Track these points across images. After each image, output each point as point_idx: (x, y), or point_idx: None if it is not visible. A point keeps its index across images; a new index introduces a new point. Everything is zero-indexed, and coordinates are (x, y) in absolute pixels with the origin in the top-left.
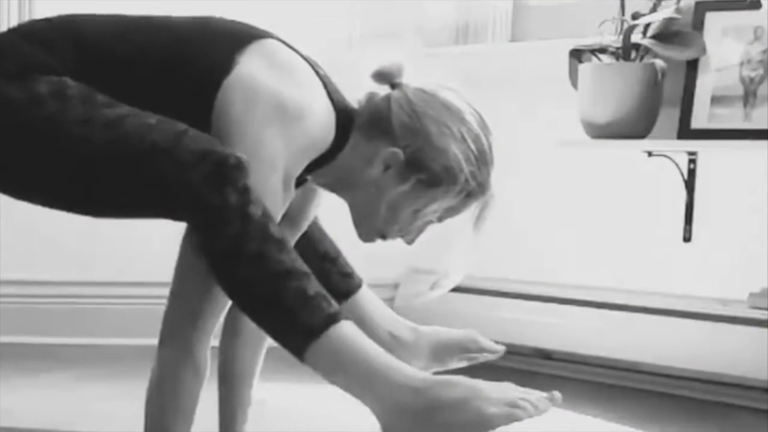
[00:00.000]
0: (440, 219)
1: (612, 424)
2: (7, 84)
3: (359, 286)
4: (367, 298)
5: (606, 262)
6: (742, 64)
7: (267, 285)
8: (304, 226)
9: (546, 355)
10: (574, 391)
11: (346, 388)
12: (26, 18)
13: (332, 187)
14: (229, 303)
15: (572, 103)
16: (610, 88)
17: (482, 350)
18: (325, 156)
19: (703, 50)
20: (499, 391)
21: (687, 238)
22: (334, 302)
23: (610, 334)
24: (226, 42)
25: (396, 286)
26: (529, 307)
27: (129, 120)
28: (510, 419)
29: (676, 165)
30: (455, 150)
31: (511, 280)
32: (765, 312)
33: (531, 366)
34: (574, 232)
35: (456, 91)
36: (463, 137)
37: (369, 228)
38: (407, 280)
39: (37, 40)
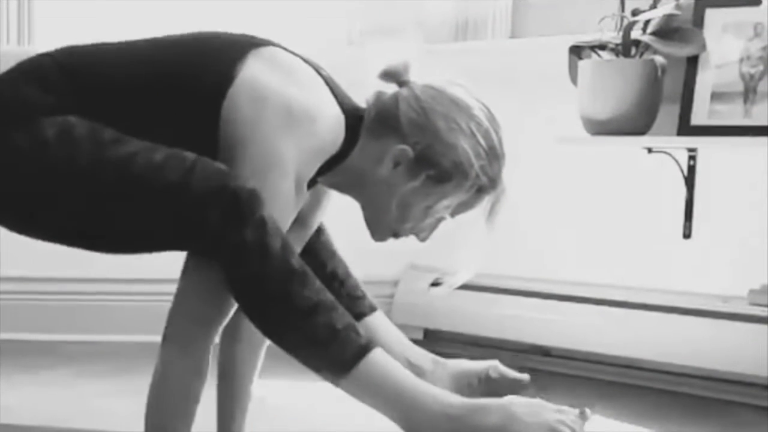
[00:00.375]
0: (453, 215)
1: (611, 421)
2: (13, 131)
3: (372, 309)
4: (380, 323)
5: (605, 259)
6: (742, 60)
7: (295, 324)
8: (314, 227)
9: (545, 351)
10: (573, 388)
11: (383, 413)
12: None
13: (343, 188)
14: (235, 307)
15: (572, 99)
16: (609, 85)
17: (506, 380)
18: (336, 157)
19: (703, 47)
20: (535, 414)
21: (687, 235)
22: (362, 331)
23: (610, 331)
24: (225, 54)
25: (396, 283)
26: (529, 304)
27: (138, 159)
28: None
29: (676, 161)
30: (464, 145)
31: (511, 277)
32: (765, 309)
33: (530, 363)
34: (573, 228)
35: (464, 86)
36: (472, 132)
37: (381, 227)
38: (407, 277)
39: (36, 78)
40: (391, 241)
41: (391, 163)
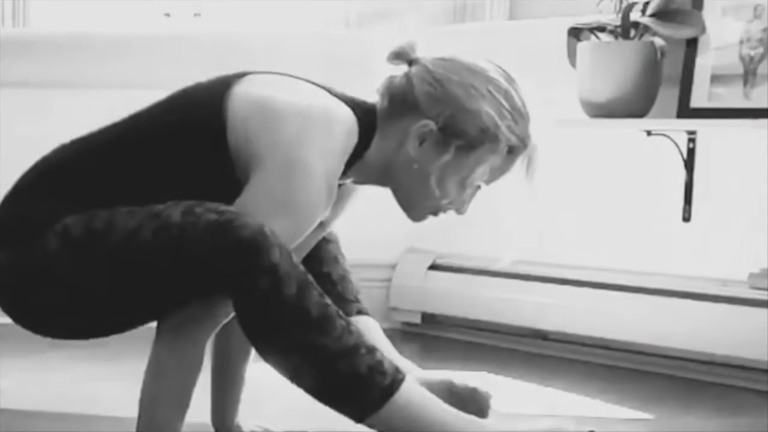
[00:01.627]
0: (488, 182)
1: (610, 405)
2: (22, 250)
3: (360, 312)
4: (368, 328)
5: (604, 242)
6: (741, 42)
7: (316, 374)
8: (330, 228)
9: (543, 335)
10: (571, 372)
11: None
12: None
13: (375, 180)
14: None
15: (571, 81)
16: (608, 67)
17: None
18: (356, 153)
19: (703, 29)
20: None
21: (686, 218)
22: (389, 368)
23: (608, 315)
24: (211, 91)
25: (393, 266)
26: (527, 288)
27: (130, 245)
28: None
29: (676, 144)
30: (487, 109)
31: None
32: (765, 293)
33: (529, 347)
34: (572, 211)
35: (474, 54)
36: (492, 95)
37: (419, 207)
38: (405, 260)
39: (33, 189)
40: (387, 224)
41: (416, 142)
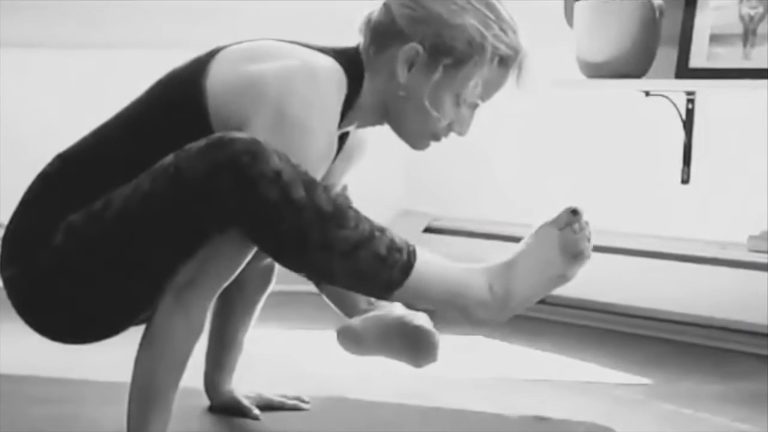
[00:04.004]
0: (484, 98)
1: (607, 370)
2: (28, 262)
3: None
4: None
5: (602, 205)
6: (741, 1)
7: (341, 266)
8: (337, 186)
9: (541, 299)
10: (569, 337)
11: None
12: None
13: (375, 120)
14: (236, 274)
15: (568, 41)
16: (606, 26)
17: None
18: (349, 100)
19: None
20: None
21: (685, 180)
22: (401, 243)
23: (606, 278)
24: (187, 77)
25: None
26: None
27: (131, 203)
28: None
29: (674, 105)
30: (471, 21)
31: (504, 223)
32: (765, 255)
33: (525, 310)
34: (569, 173)
35: None
36: (474, 6)
37: (418, 134)
38: (398, 222)
39: (31, 209)
40: (380, 185)
41: (405, 67)
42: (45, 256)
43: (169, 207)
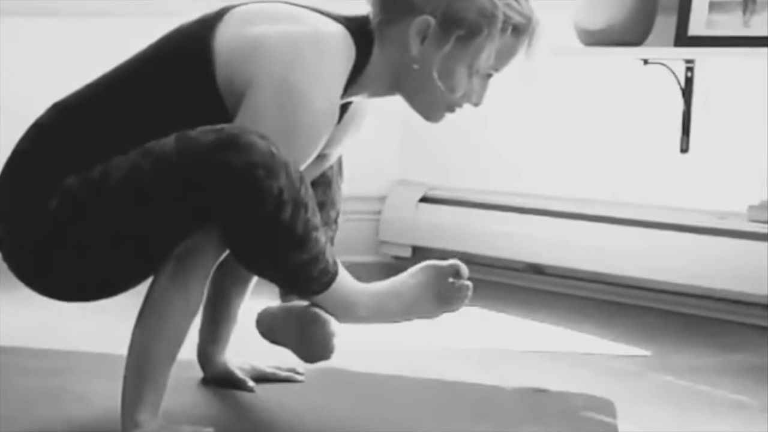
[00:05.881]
0: (497, 68)
1: (605, 341)
2: (21, 220)
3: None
4: None
5: (600, 174)
6: None
7: (282, 275)
8: (332, 160)
9: (538, 270)
10: (567, 308)
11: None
12: None
13: (384, 92)
14: None
15: (565, 8)
16: None
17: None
18: (357, 69)
19: None
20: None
21: (684, 149)
22: (332, 267)
23: (605, 249)
24: (195, 34)
25: (383, 198)
26: (521, 221)
27: (131, 179)
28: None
29: (673, 73)
30: None
31: (502, 193)
32: (764, 225)
33: (523, 281)
34: (567, 143)
35: None
36: None
37: (433, 106)
38: (395, 192)
39: (23, 162)
40: (377, 155)
41: (417, 40)
42: (38, 219)
43: (167, 195)
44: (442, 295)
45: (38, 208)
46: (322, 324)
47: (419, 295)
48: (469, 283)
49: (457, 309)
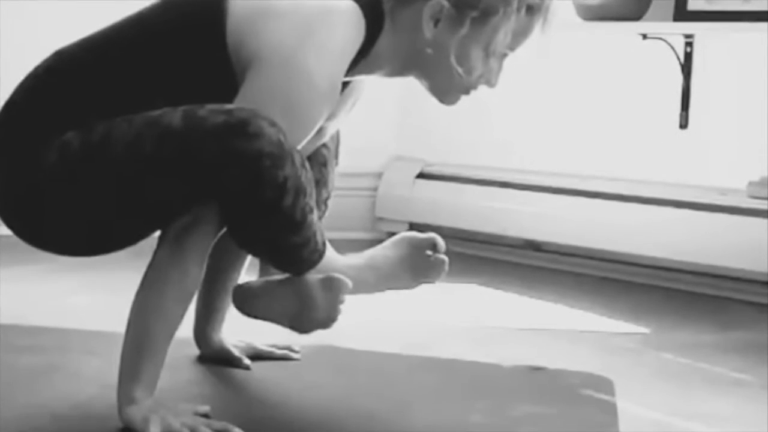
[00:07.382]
0: (513, 48)
1: (604, 318)
2: (16, 168)
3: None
4: None
5: (598, 150)
6: None
7: (273, 255)
8: (327, 136)
9: (535, 246)
10: (565, 284)
11: None
12: None
13: (395, 72)
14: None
15: None
16: None
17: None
18: (365, 47)
19: None
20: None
21: (683, 125)
22: (321, 247)
23: (603, 225)
24: None
25: (380, 175)
26: (518, 197)
27: (132, 154)
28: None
29: (672, 48)
30: None
31: (499, 169)
32: (764, 202)
33: (520, 258)
34: (565, 118)
35: None
36: None
37: (449, 89)
38: (392, 168)
39: (22, 107)
40: (373, 131)
41: (431, 23)
42: (34, 171)
43: (169, 172)
44: (419, 267)
45: (33, 159)
46: (338, 288)
47: (396, 267)
48: (445, 257)
49: (434, 281)
